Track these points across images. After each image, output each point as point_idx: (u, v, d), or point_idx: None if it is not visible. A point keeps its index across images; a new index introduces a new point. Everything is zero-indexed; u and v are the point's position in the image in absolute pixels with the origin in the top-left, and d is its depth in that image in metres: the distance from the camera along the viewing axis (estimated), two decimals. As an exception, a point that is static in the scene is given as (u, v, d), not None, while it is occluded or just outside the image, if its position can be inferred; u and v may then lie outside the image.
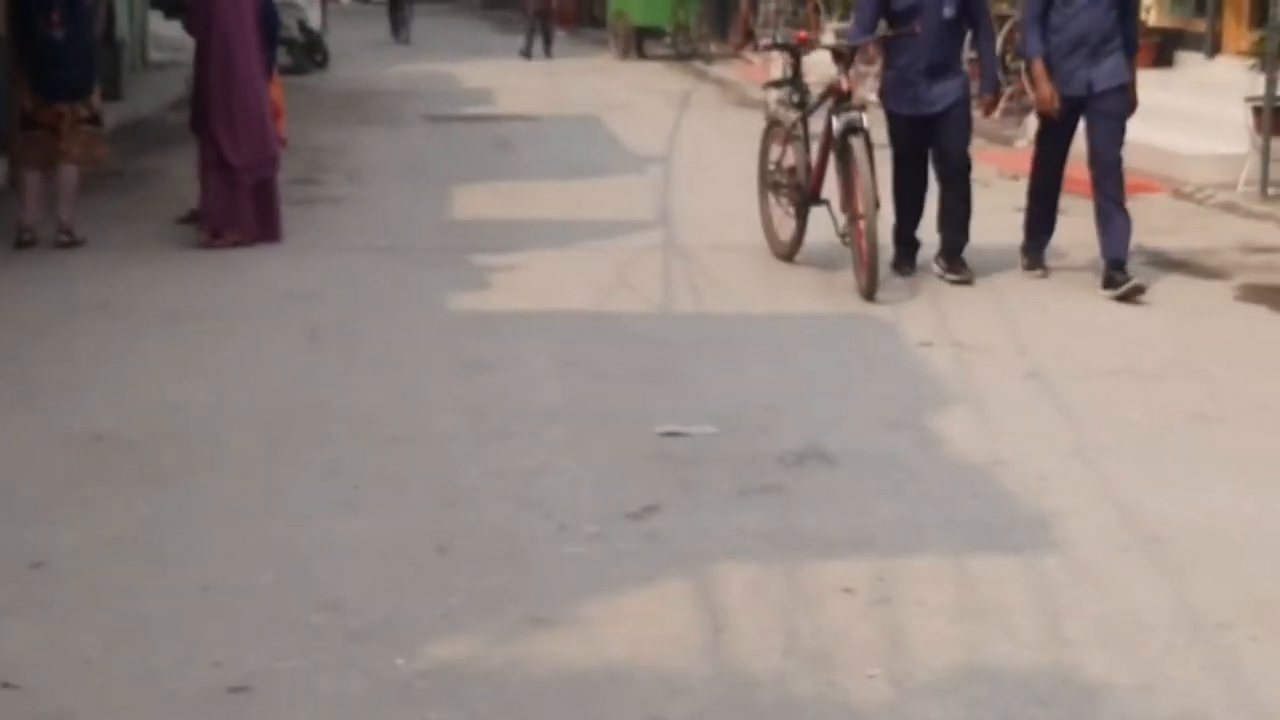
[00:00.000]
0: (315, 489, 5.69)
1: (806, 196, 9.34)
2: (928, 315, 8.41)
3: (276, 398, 6.86)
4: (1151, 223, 11.47)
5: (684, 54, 28.30)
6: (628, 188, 13.18)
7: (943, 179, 9.25)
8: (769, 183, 9.87)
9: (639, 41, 29.07)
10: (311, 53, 26.13)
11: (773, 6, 15.03)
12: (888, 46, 9.28)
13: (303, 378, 7.21)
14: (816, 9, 16.11)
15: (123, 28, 20.78)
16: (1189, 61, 15.60)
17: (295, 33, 25.44)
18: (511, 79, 24.32)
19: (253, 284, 9.17)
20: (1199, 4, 15.91)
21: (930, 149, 9.19)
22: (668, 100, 21.18)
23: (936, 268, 9.21)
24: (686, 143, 16.25)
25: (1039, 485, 5.70)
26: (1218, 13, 15.24)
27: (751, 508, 5.49)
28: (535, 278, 9.44)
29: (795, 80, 9.74)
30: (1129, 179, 12.53)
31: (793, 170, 9.51)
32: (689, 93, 22.47)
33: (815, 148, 9.36)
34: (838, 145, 8.82)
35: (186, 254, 10.04)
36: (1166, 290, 8.98)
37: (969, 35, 9.50)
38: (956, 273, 9.11)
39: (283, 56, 25.95)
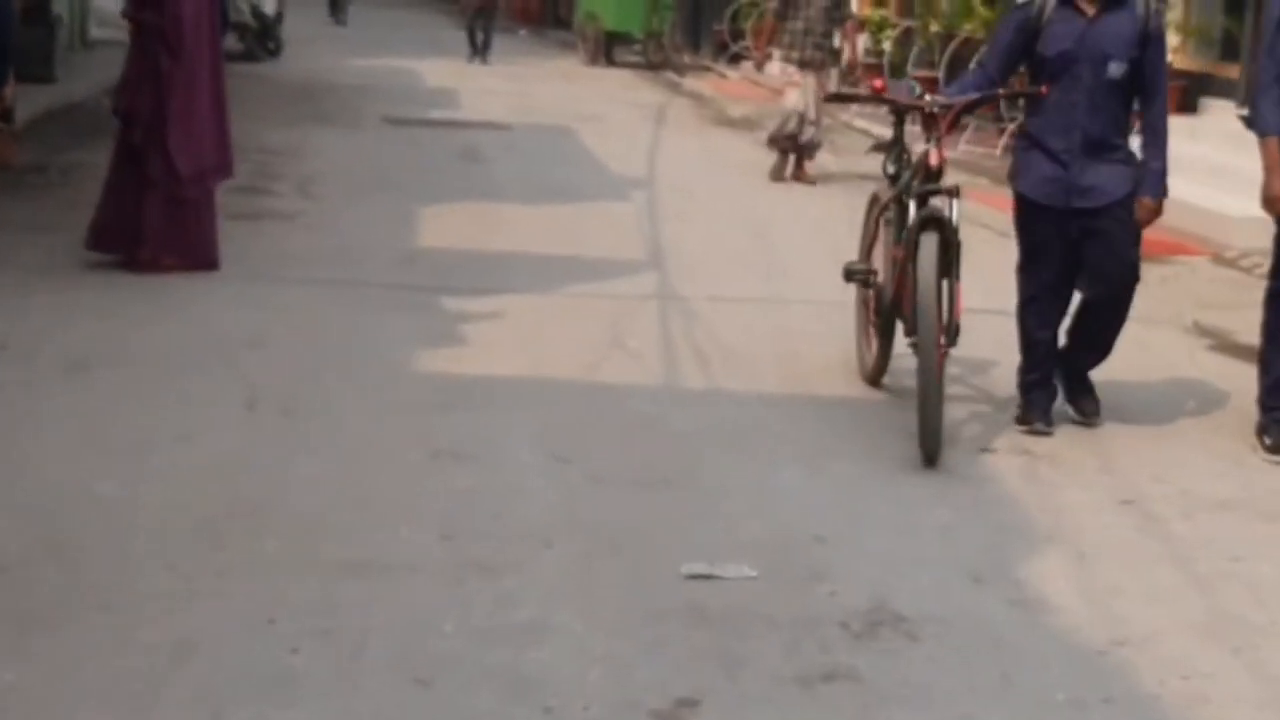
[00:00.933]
0: (240, 651, 4.30)
1: (888, 304, 6.92)
2: (983, 409, 7.11)
3: (200, 493, 5.46)
4: (1199, 292, 10.27)
5: (655, 63, 27.00)
6: (611, 216, 11.85)
7: (1093, 299, 6.81)
8: (858, 277, 7.37)
9: (608, 47, 27.72)
10: (264, 40, 24.64)
11: (800, 25, 13.48)
12: (1027, 108, 6.99)
13: (235, 464, 5.81)
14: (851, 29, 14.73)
15: (61, 2, 19.25)
16: (1216, 109, 14.43)
17: (247, 17, 23.96)
18: (475, 80, 22.94)
19: (182, 325, 7.75)
20: (1228, 47, 14.77)
21: (1081, 259, 6.69)
22: (642, 114, 19.86)
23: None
24: (669, 165, 14.92)
25: (1187, 686, 4.39)
26: (1252, 57, 14.08)
27: (821, 709, 4.16)
28: (515, 330, 8.08)
29: (896, 144, 7.09)
30: (1164, 236, 11.40)
31: (878, 266, 7.17)
32: (664, 107, 21.17)
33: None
34: (911, 240, 6.50)
35: (109, 279, 8.61)
36: (1248, 387, 7.70)
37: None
38: (1084, 413, 6.90)
39: (234, 43, 24.61)
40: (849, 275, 7.33)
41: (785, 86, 14.49)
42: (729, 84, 25.24)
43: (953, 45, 18.00)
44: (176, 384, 6.75)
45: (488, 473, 5.88)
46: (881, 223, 7.11)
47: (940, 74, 18.17)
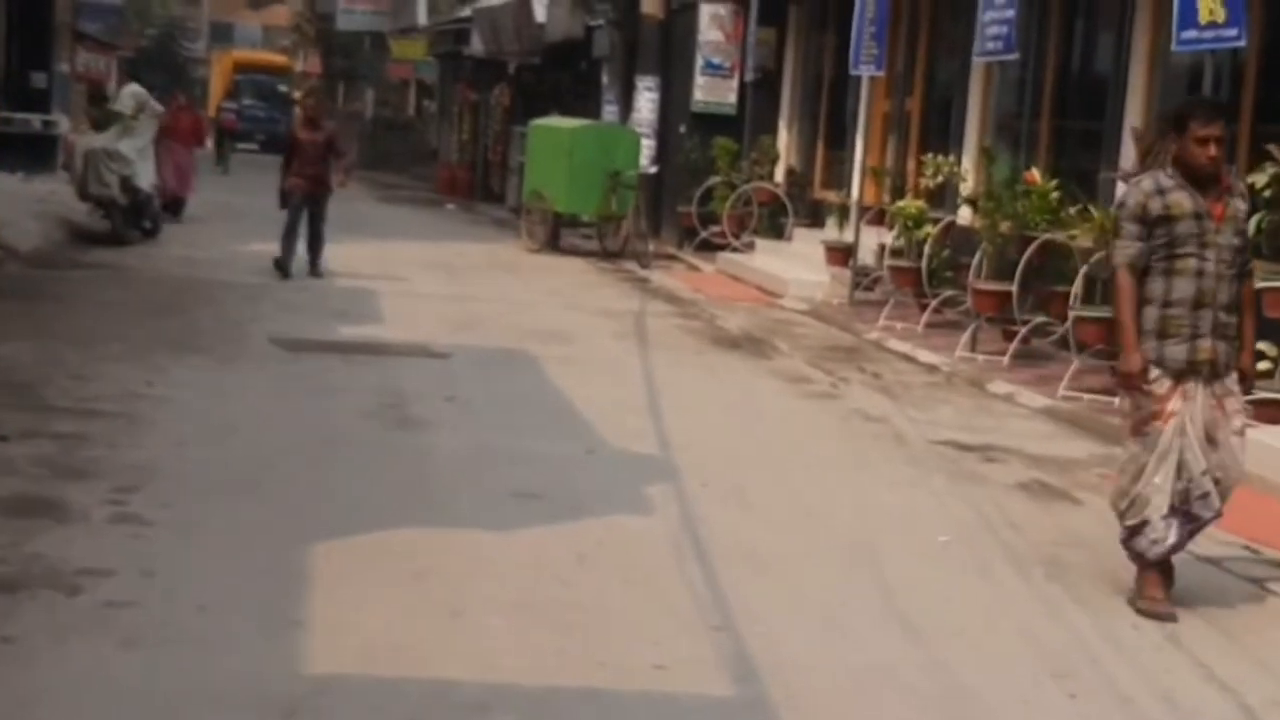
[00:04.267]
0: None
1: None
2: None
3: None
4: None
5: (612, 251, 22.55)
6: (633, 553, 7.14)
7: None
8: None
9: (555, 230, 23.27)
10: (137, 218, 19.86)
11: (1189, 288, 6.77)
12: None
13: None
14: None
15: None
16: None
17: (115, 191, 19.23)
18: (396, 275, 18.19)
19: None
20: None
21: None
22: (617, 328, 15.30)
23: None
24: (686, 428, 10.23)
25: None
26: None
27: None
28: None
29: None
30: None
31: None
32: (640, 315, 16.59)
33: None
34: None
35: None
36: None
37: None
38: None
39: (99, 221, 19.85)
40: None
41: (1134, 421, 6.75)
42: (704, 279, 20.82)
43: (1030, 250, 13.59)
44: None
45: None
46: None
47: (1014, 286, 13.75)
